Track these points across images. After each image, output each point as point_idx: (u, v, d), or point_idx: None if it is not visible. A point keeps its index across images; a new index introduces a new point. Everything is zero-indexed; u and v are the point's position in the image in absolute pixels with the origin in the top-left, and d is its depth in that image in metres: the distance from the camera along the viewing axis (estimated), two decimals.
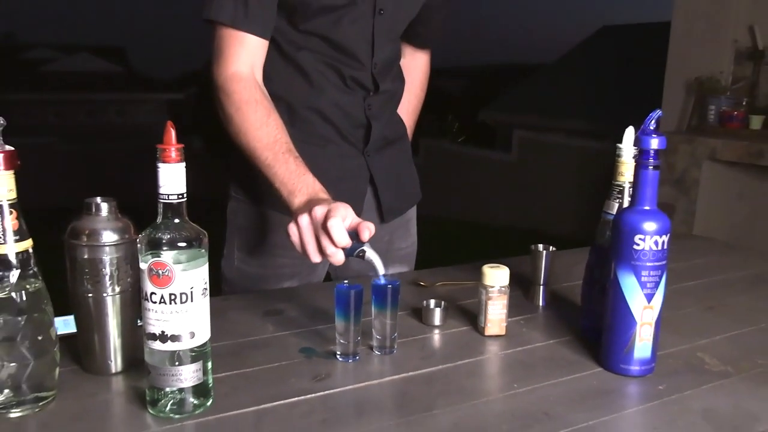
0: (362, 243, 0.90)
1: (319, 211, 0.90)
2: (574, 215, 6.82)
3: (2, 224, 0.69)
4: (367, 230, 0.89)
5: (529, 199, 7.81)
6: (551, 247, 1.14)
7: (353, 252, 0.90)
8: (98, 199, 0.81)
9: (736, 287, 1.28)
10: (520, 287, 1.18)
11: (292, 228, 0.93)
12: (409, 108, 1.42)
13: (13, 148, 0.69)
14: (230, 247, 1.28)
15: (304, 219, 0.91)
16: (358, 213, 1.22)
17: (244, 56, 1.11)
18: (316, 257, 0.91)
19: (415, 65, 1.44)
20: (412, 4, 1.27)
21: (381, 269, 0.90)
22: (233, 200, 1.28)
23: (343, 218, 0.89)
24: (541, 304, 1.14)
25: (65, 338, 0.85)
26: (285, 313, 1.06)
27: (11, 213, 0.69)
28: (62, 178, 11.17)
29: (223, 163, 1.33)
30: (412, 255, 1.42)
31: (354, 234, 0.89)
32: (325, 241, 0.88)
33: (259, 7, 1.10)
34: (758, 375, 0.89)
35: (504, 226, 7.75)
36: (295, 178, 1.00)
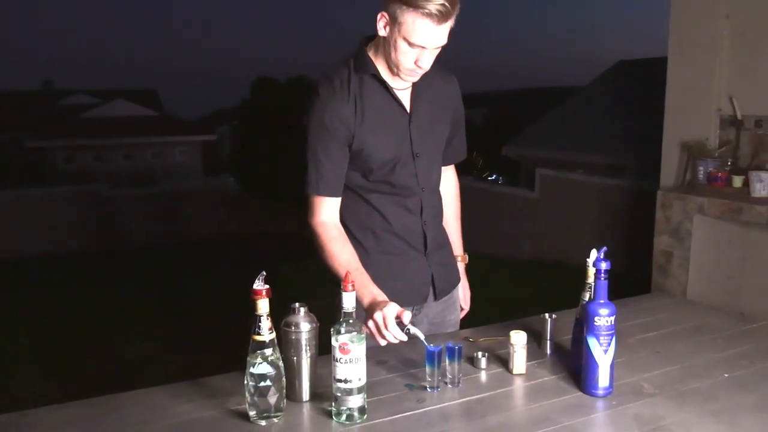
0: (405, 325, 1.55)
1: (378, 317, 1.55)
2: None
3: (265, 324, 1.35)
4: (407, 317, 1.55)
5: (553, 234, 8.42)
6: (553, 315, 1.79)
7: (403, 330, 1.55)
8: (297, 305, 1.48)
9: (679, 336, 1.91)
10: (537, 340, 1.82)
11: (364, 328, 1.55)
12: (453, 214, 2.05)
13: (269, 287, 1.36)
14: None
15: (371, 323, 1.57)
16: (425, 297, 1.87)
17: (325, 210, 1.76)
18: (383, 343, 1.57)
19: (447, 181, 2.00)
20: (438, 143, 1.86)
21: (422, 338, 1.55)
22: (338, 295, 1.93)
23: (393, 313, 1.54)
24: (548, 352, 1.78)
25: None
26: (389, 362, 1.71)
27: (268, 319, 1.36)
28: (110, 220, 11.99)
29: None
30: (458, 322, 2.05)
31: (399, 321, 1.54)
32: (387, 334, 1.54)
33: (331, 179, 1.73)
34: (672, 396, 1.53)
35: (531, 259, 8.38)
36: (362, 288, 1.63)
